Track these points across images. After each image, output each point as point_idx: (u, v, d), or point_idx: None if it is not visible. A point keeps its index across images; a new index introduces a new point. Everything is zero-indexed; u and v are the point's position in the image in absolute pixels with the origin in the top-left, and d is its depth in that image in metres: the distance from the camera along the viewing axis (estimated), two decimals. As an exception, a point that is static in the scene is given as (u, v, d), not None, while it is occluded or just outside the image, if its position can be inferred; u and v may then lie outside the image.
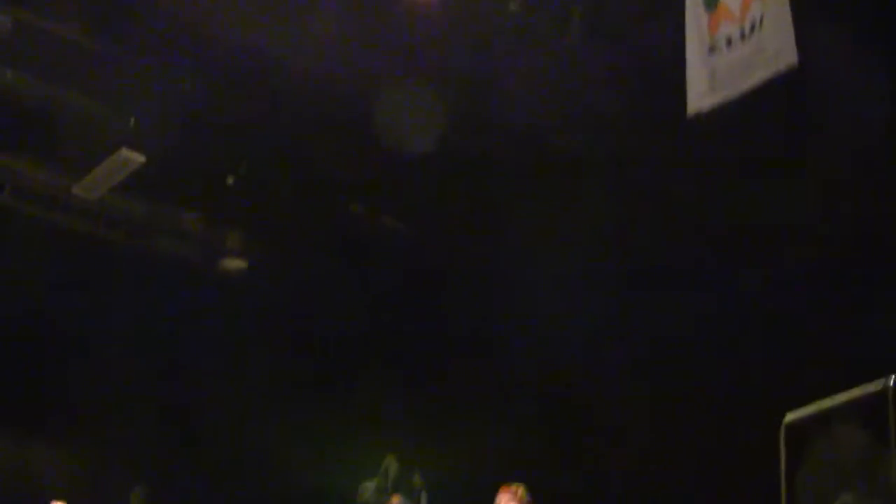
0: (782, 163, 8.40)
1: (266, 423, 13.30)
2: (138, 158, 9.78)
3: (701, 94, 6.63)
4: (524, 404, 10.86)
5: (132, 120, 9.58)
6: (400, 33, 8.62)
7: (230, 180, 10.14)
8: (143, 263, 11.97)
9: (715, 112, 6.60)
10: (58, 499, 10.14)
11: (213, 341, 13.01)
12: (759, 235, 9.04)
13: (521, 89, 8.70)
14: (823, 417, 5.87)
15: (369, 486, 10.86)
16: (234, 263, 11.21)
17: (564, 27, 7.99)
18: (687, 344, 9.30)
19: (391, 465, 11.12)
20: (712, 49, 6.55)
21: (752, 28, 6.30)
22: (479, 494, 10.40)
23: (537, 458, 10.07)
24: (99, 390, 13.08)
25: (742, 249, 9.25)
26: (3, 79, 9.20)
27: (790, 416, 6.06)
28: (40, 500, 10.39)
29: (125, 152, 9.69)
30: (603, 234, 9.69)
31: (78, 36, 9.11)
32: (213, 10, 8.70)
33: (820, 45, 6.56)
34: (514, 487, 7.30)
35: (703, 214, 9.35)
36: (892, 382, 5.20)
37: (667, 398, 9.43)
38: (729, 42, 6.46)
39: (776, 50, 6.17)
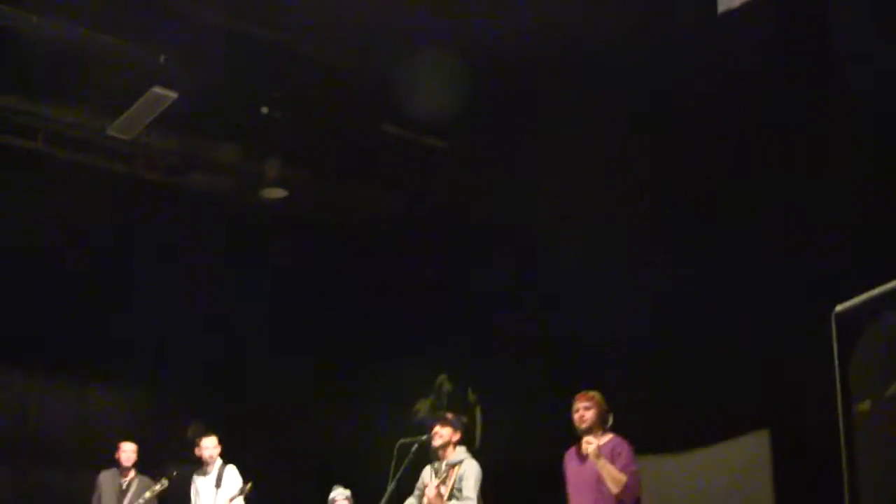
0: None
1: (314, 349, 13.56)
2: (171, 95, 9.83)
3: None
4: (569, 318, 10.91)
5: (162, 57, 9.61)
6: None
7: (264, 110, 10.16)
8: (183, 200, 12.18)
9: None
10: (125, 439, 10.46)
11: (257, 273, 13.25)
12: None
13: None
14: (874, 306, 5.97)
15: (423, 405, 11.08)
16: (275, 192, 11.31)
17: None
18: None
19: (444, 383, 11.33)
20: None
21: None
22: (532, 408, 10.65)
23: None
24: (147, 332, 13.39)
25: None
26: (30, 24, 9.22)
27: (840, 307, 6.16)
28: (108, 441, 10.69)
29: (157, 90, 9.72)
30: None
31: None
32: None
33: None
34: (590, 393, 7.28)
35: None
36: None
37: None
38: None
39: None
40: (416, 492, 8.18)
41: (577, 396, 7.30)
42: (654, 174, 9.75)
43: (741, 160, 8.99)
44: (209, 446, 9.94)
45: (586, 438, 7.05)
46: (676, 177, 9.52)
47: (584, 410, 7.23)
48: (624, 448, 7.13)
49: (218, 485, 9.71)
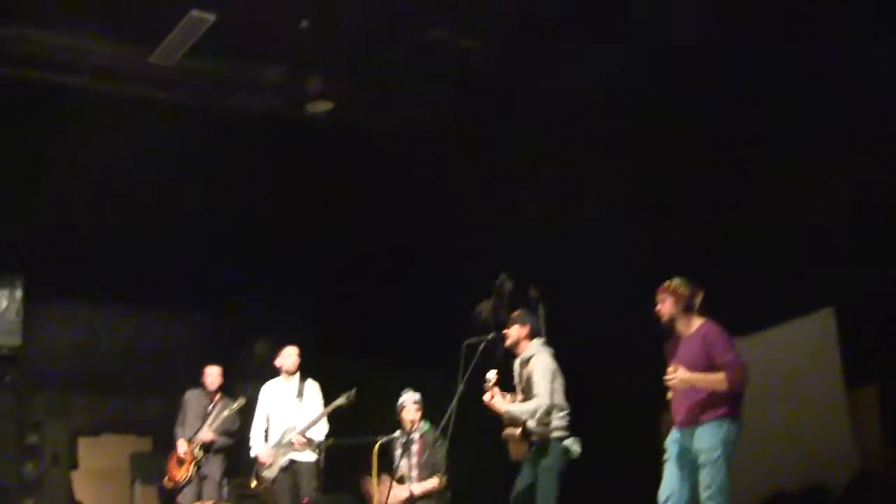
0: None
1: (373, 255, 13.78)
2: (209, 17, 9.89)
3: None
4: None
5: (197, -21, 9.67)
6: None
7: (304, 24, 10.18)
8: (228, 123, 12.34)
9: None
10: (209, 363, 10.75)
11: (307, 189, 13.43)
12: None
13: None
14: None
15: (486, 306, 11.22)
16: (320, 106, 11.40)
17: None
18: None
19: (506, 282, 11.47)
20: None
21: None
22: (597, 301, 10.80)
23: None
24: (204, 256, 13.69)
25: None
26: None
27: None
28: (192, 366, 10.97)
29: (195, 13, 9.80)
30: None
31: None
32: None
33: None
34: (666, 284, 7.28)
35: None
36: None
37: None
38: None
39: None
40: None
41: (659, 290, 7.33)
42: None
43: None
44: (291, 354, 10.09)
45: (669, 370, 7.05)
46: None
47: (660, 305, 7.30)
48: (715, 334, 7.13)
49: (300, 396, 9.90)
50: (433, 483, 8.55)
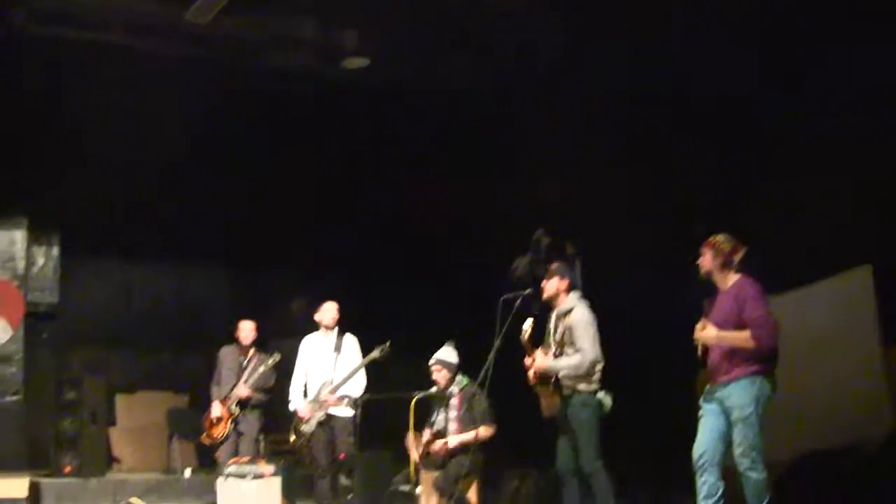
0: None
1: (409, 211, 13.87)
2: (244, -26, 9.93)
3: None
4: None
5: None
6: None
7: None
8: (265, 80, 12.41)
9: None
10: (243, 318, 10.87)
11: (343, 145, 13.52)
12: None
13: None
14: None
15: (522, 261, 11.28)
16: (356, 62, 11.44)
17: None
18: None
19: (542, 237, 11.51)
20: None
21: None
22: (633, 256, 10.83)
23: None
24: (244, 211, 13.83)
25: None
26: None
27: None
28: (228, 322, 11.10)
29: (230, -30, 9.84)
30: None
31: None
32: None
33: None
34: (711, 238, 7.31)
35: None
36: None
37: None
38: None
39: None
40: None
41: (703, 244, 7.37)
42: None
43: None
44: (331, 309, 10.17)
45: (697, 327, 7.13)
46: None
47: (700, 258, 7.36)
48: (749, 290, 7.16)
49: (337, 350, 10.00)
50: (470, 436, 8.62)
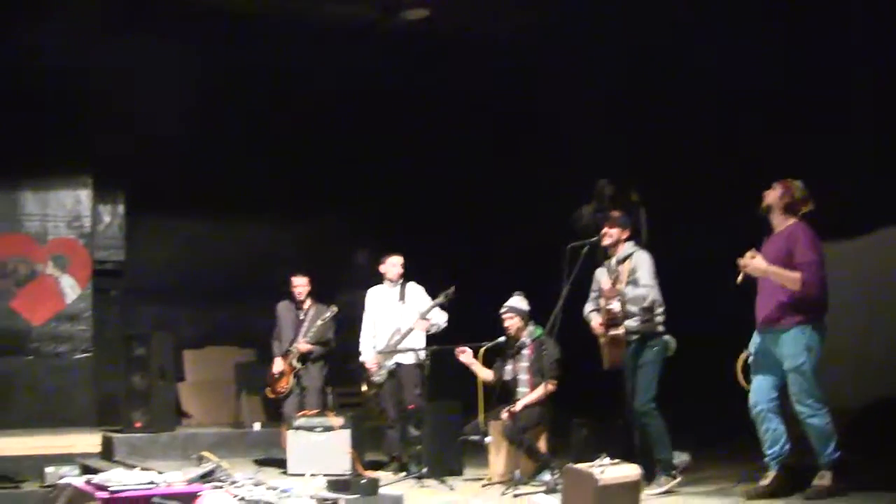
0: None
1: (473, 162, 13.88)
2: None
3: None
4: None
5: None
6: None
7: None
8: (326, 33, 12.45)
9: None
10: (295, 274, 10.95)
11: (404, 95, 13.53)
12: None
13: None
14: None
15: (586, 210, 11.27)
16: (416, 13, 11.42)
17: None
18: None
19: (605, 186, 11.49)
20: None
21: None
22: (696, 204, 10.78)
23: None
24: (310, 165, 13.95)
25: None
26: None
27: None
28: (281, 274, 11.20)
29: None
30: None
31: None
32: None
33: None
34: (784, 180, 7.32)
35: None
36: None
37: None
38: None
39: None
40: (592, 293, 8.42)
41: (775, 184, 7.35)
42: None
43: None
44: (395, 264, 10.19)
45: (747, 255, 7.08)
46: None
47: (768, 190, 7.34)
48: (800, 235, 7.15)
49: (402, 300, 10.06)
50: (538, 394, 8.66)
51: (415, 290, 10.12)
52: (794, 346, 7.09)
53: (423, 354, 9.71)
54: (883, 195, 9.47)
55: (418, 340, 9.92)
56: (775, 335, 7.19)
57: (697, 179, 11.03)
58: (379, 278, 10.34)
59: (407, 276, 10.27)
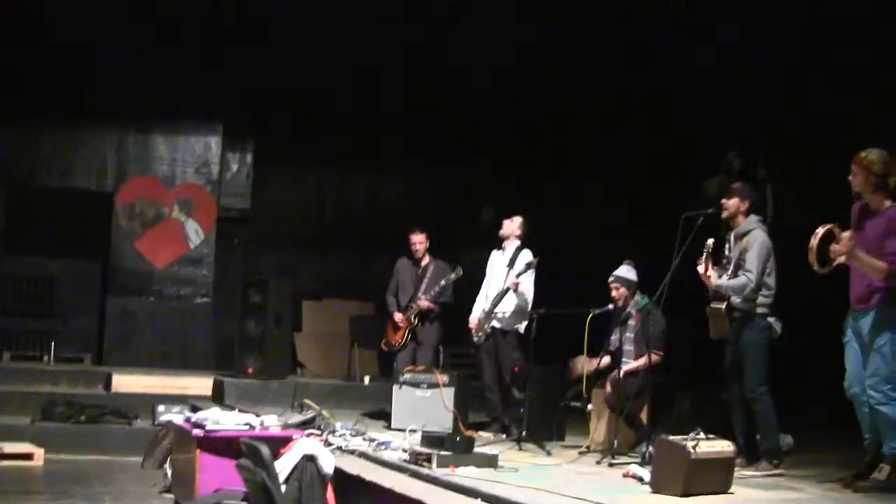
0: None
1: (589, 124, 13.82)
2: None
3: None
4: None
5: None
6: None
7: None
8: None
9: None
10: (412, 231, 11.05)
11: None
12: None
13: None
14: None
15: (713, 184, 11.15)
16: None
17: None
18: None
19: (734, 160, 11.35)
20: None
21: None
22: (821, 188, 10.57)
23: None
24: (437, 123, 14.03)
25: None
26: None
27: None
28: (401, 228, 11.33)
29: None
30: None
31: None
32: None
33: None
34: (860, 156, 7.05)
35: None
36: None
37: None
38: None
39: None
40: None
41: (854, 159, 7.12)
42: None
43: None
44: (510, 223, 10.16)
45: (845, 236, 6.90)
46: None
47: (852, 176, 7.12)
48: None
49: (510, 265, 10.09)
50: (641, 362, 8.63)
51: (523, 257, 10.10)
52: (878, 326, 6.95)
53: (518, 318, 9.78)
54: None
55: (511, 305, 9.93)
56: (864, 315, 7.06)
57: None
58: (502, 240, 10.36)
59: (528, 240, 10.24)
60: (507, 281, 9.87)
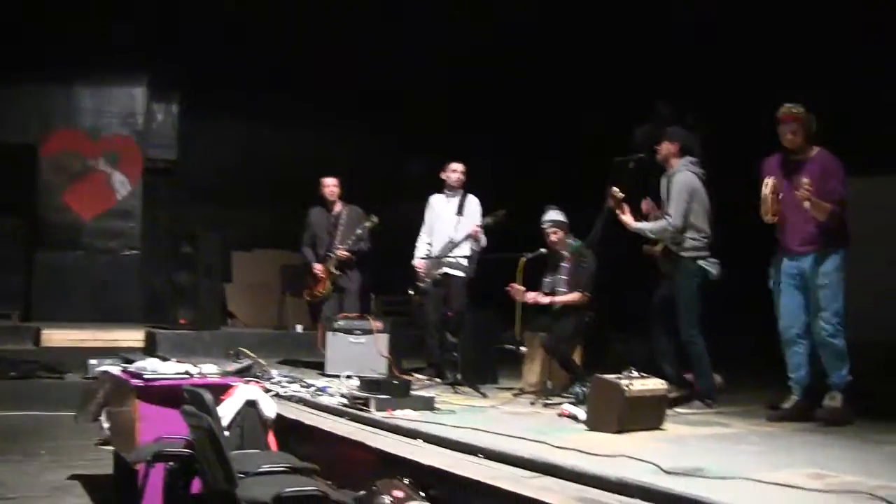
0: None
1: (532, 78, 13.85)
2: None
3: None
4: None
5: None
6: None
7: None
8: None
9: None
10: (324, 175, 11.06)
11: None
12: None
13: None
14: None
15: (641, 130, 11.26)
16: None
17: None
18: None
19: (663, 107, 11.46)
20: None
21: None
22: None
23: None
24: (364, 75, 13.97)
25: None
26: None
27: None
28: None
29: None
30: None
31: None
32: None
33: None
34: (794, 112, 7.27)
35: None
36: None
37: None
38: None
39: None
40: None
41: (783, 116, 7.35)
42: None
43: None
44: (456, 170, 10.23)
45: (804, 182, 7.03)
46: None
47: (790, 135, 7.33)
48: (835, 166, 7.23)
49: (459, 212, 10.12)
50: (574, 296, 8.73)
51: (473, 204, 10.15)
52: (826, 265, 7.21)
53: (470, 266, 9.88)
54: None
55: (467, 252, 10.00)
56: (805, 257, 7.29)
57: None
58: (437, 187, 10.39)
59: (467, 186, 10.30)
60: (461, 227, 9.95)
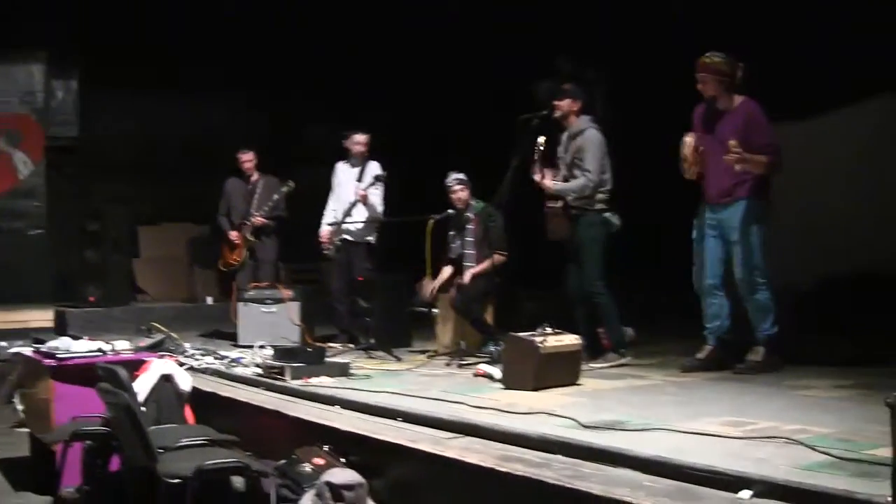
0: None
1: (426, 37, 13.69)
2: None
3: None
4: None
5: None
6: None
7: None
8: None
9: None
10: (240, 150, 10.92)
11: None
12: None
13: None
14: None
15: (543, 86, 11.20)
16: None
17: None
18: None
19: (564, 62, 11.41)
20: None
21: None
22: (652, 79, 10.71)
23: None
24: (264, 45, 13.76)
25: None
26: None
27: None
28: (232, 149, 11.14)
29: None
30: None
31: None
32: None
33: None
34: (705, 61, 7.21)
35: None
36: None
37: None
38: None
39: None
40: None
41: (697, 65, 7.26)
42: None
43: None
44: (360, 142, 10.08)
45: (731, 144, 6.92)
46: None
47: (701, 85, 7.27)
48: (759, 116, 7.17)
49: (360, 179, 10.00)
50: (485, 265, 8.67)
51: (372, 168, 10.06)
52: (745, 217, 7.16)
53: (367, 230, 9.79)
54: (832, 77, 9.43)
55: (361, 216, 9.89)
56: (726, 208, 7.25)
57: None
58: (344, 154, 10.26)
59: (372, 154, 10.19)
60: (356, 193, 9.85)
